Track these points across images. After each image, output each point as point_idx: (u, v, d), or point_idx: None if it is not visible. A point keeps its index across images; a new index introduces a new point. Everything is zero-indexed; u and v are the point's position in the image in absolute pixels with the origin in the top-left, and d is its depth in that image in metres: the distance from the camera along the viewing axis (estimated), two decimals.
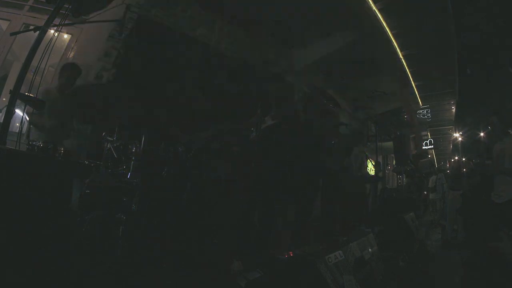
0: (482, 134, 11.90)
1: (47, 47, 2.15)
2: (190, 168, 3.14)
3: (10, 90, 1.81)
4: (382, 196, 6.16)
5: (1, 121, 1.87)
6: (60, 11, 2.15)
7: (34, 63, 1.98)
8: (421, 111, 10.74)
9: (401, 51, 6.51)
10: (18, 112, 2.69)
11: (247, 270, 1.80)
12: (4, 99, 4.11)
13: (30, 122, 2.65)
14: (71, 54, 3.93)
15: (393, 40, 6.08)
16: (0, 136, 1.69)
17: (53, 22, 2.08)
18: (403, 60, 6.79)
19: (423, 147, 13.34)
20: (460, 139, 15.48)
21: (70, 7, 2.31)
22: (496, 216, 3.10)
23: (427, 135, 13.72)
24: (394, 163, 10.48)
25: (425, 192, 9.21)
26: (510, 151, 2.97)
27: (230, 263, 1.95)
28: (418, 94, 8.80)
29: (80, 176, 2.36)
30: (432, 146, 13.76)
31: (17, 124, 2.98)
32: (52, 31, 2.78)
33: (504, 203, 3.01)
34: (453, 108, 11.03)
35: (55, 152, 1.73)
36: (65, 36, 4.16)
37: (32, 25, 3.51)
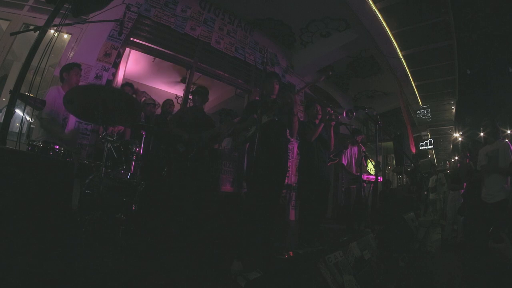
0: (482, 134, 11.90)
1: (47, 47, 2.14)
2: (190, 167, 3.13)
3: (10, 90, 1.80)
4: (382, 196, 6.17)
5: (1, 121, 1.86)
6: (60, 11, 2.14)
7: (34, 63, 1.97)
8: (421, 111, 10.73)
9: (401, 51, 6.50)
10: (18, 112, 2.69)
11: (247, 270, 1.80)
12: (4, 99, 4.11)
13: (41, 126, 2.65)
14: (71, 54, 3.93)
15: (393, 40, 6.08)
16: (0, 136, 1.68)
17: (53, 22, 2.07)
18: (403, 60, 6.79)
19: (423, 147, 13.37)
20: (460, 139, 15.49)
21: (70, 7, 2.30)
22: (488, 217, 3.18)
23: (427, 135, 13.73)
24: (394, 163, 10.48)
25: (425, 192, 9.23)
26: (503, 152, 3.18)
27: (230, 263, 1.95)
28: (418, 94, 8.79)
29: (80, 176, 2.37)
30: (432, 146, 13.77)
31: (17, 124, 2.98)
32: (52, 31, 2.78)
33: (496, 203, 3.12)
34: (453, 108, 11.01)
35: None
36: (65, 36, 4.17)
37: (32, 25, 3.51)
